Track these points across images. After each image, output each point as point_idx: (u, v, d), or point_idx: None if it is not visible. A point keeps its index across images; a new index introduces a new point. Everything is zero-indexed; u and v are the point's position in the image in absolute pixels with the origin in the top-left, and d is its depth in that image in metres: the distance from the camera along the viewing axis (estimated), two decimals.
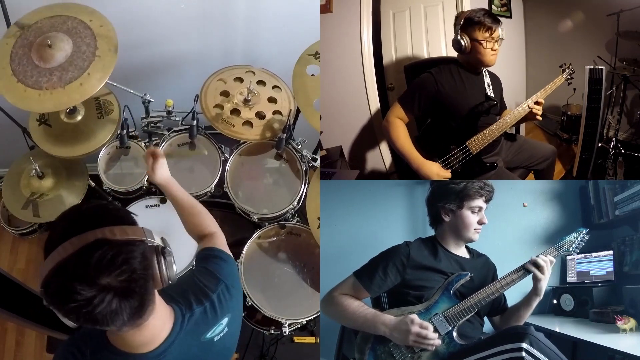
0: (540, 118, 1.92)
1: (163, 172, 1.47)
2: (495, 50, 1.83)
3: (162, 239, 0.98)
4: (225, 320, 1.15)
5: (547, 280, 1.47)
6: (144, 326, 0.96)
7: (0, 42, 1.77)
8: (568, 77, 2.02)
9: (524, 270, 1.48)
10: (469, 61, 1.89)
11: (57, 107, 1.76)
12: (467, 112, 1.87)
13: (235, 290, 1.22)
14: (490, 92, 1.95)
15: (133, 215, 0.96)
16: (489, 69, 1.98)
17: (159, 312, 1.00)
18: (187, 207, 1.46)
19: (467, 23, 1.81)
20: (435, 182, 1.67)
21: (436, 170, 1.81)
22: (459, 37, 1.82)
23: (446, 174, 1.82)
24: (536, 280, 1.47)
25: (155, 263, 0.93)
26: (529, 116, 1.94)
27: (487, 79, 1.96)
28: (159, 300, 1.00)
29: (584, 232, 1.54)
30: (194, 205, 1.48)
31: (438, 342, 1.40)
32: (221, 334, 1.14)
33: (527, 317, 1.58)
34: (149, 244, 0.92)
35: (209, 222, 1.44)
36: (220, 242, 1.36)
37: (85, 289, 0.80)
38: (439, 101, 1.86)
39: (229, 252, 1.33)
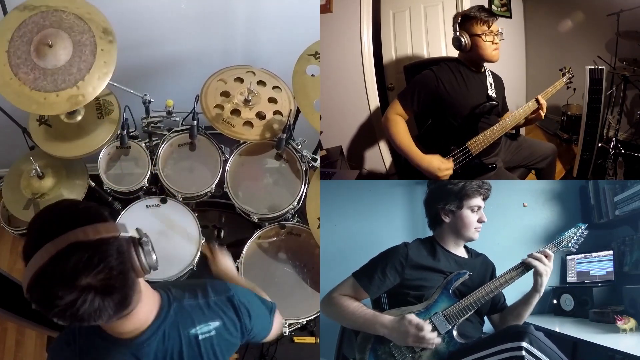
0: (543, 116, 1.92)
1: (226, 264, 1.55)
2: (496, 44, 1.82)
3: (137, 230, 0.99)
4: (214, 324, 1.14)
5: (548, 275, 1.46)
6: (133, 314, 0.98)
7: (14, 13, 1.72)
8: (568, 80, 2.02)
9: (523, 267, 1.47)
10: (471, 59, 1.88)
11: (13, 101, 1.69)
12: (468, 112, 1.86)
13: (242, 313, 1.20)
14: (492, 92, 1.94)
15: (103, 211, 0.96)
16: (491, 69, 1.98)
17: (146, 298, 1.03)
18: None
19: (464, 20, 1.83)
20: (433, 184, 1.66)
21: (437, 164, 1.76)
22: (458, 34, 1.82)
23: (448, 164, 1.78)
24: (537, 275, 1.46)
25: (133, 254, 0.94)
26: (532, 116, 1.94)
27: (489, 79, 1.95)
28: (144, 287, 1.02)
29: (582, 227, 1.53)
30: (253, 289, 1.47)
31: (438, 340, 1.40)
32: (206, 335, 1.13)
33: (526, 315, 1.58)
34: (124, 238, 0.93)
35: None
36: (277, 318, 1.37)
37: (66, 293, 0.82)
38: (439, 99, 1.85)
39: (273, 310, 1.35)
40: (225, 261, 1.57)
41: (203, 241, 1.97)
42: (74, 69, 1.71)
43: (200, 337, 1.12)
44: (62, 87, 1.69)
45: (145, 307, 1.03)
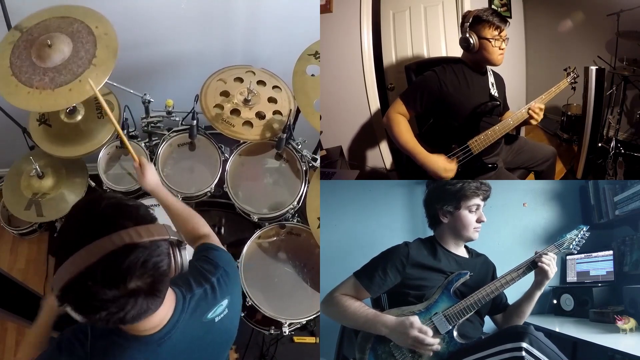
0: (534, 123, 1.91)
1: (152, 178, 1.50)
2: (502, 49, 1.81)
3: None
4: (225, 302, 1.17)
5: (552, 275, 1.47)
6: (156, 312, 0.98)
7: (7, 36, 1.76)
8: (572, 81, 2.01)
9: (525, 267, 1.48)
10: (475, 60, 1.88)
11: (42, 109, 1.72)
12: (470, 112, 1.86)
13: (234, 276, 1.24)
14: (494, 91, 1.94)
15: (150, 209, 0.95)
16: (493, 68, 1.97)
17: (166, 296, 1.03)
18: (180, 211, 1.48)
19: (475, 21, 1.80)
20: (432, 184, 1.66)
21: (442, 164, 1.77)
22: (467, 35, 1.80)
23: (452, 166, 1.79)
24: (543, 275, 1.47)
25: (172, 256, 0.95)
26: (528, 120, 1.94)
27: (491, 79, 1.95)
28: None
29: (584, 229, 1.53)
30: (186, 209, 1.50)
31: (437, 347, 1.40)
32: (222, 315, 1.16)
33: (529, 313, 1.58)
34: (169, 240, 0.94)
35: (202, 224, 1.46)
36: (215, 240, 1.38)
37: (114, 294, 0.80)
38: (441, 100, 1.85)
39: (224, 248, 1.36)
40: (153, 177, 1.51)
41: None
42: (81, 52, 1.74)
43: (217, 319, 1.15)
44: (80, 72, 1.71)
45: (165, 305, 1.03)
